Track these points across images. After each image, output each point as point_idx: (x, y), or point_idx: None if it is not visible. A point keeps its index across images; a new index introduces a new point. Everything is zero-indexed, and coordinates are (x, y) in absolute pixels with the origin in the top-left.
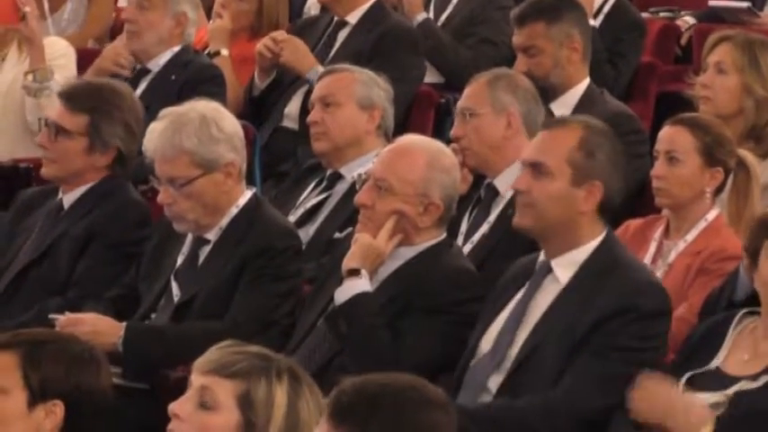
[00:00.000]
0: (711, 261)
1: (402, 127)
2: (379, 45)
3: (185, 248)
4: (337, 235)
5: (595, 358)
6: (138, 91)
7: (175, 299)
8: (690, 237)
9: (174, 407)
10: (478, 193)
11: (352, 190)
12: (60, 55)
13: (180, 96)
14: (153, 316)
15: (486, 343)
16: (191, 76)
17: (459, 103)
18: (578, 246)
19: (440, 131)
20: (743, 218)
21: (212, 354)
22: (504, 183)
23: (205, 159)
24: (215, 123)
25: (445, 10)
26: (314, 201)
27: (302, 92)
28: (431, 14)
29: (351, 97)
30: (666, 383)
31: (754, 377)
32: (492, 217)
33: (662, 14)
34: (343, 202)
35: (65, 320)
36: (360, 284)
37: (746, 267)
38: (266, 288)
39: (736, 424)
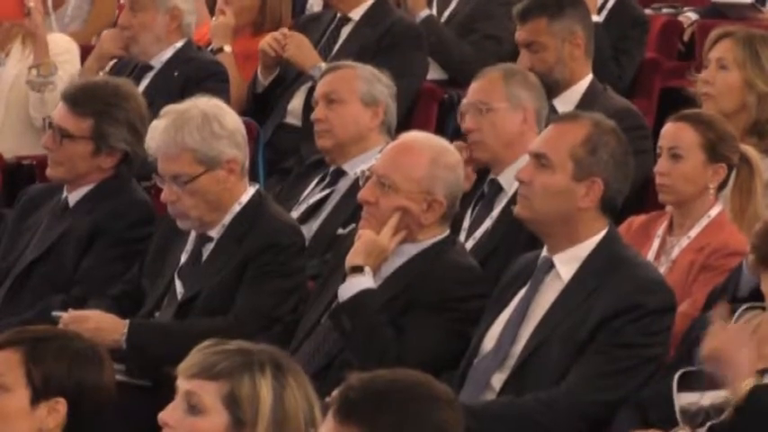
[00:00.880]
0: (715, 257)
1: (405, 123)
2: (383, 41)
3: (188, 246)
4: (340, 231)
5: (600, 355)
6: (141, 87)
7: (179, 296)
8: (693, 233)
9: (163, 415)
10: (482, 188)
11: (355, 186)
12: (64, 51)
13: (183, 93)
14: (157, 313)
15: (490, 340)
16: (194, 73)
17: (472, 97)
18: (579, 242)
19: (443, 128)
20: (746, 214)
21: (194, 357)
22: (508, 179)
23: (207, 156)
24: (217, 120)
25: (448, 6)
26: (317, 197)
27: (305, 88)
28: (434, 11)
29: (354, 94)
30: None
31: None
32: (495, 213)
33: (665, 11)
34: (346, 199)
35: (68, 317)
36: (363, 281)
37: (750, 264)
38: (270, 285)
39: (748, 421)
